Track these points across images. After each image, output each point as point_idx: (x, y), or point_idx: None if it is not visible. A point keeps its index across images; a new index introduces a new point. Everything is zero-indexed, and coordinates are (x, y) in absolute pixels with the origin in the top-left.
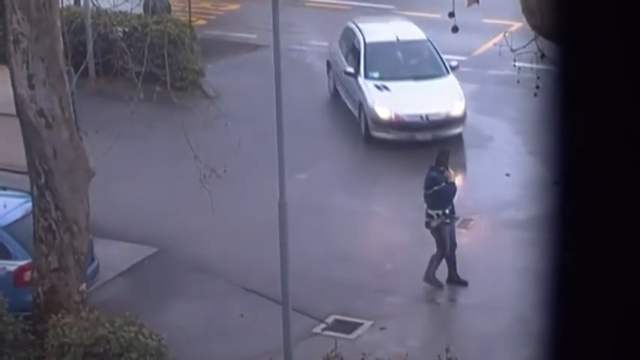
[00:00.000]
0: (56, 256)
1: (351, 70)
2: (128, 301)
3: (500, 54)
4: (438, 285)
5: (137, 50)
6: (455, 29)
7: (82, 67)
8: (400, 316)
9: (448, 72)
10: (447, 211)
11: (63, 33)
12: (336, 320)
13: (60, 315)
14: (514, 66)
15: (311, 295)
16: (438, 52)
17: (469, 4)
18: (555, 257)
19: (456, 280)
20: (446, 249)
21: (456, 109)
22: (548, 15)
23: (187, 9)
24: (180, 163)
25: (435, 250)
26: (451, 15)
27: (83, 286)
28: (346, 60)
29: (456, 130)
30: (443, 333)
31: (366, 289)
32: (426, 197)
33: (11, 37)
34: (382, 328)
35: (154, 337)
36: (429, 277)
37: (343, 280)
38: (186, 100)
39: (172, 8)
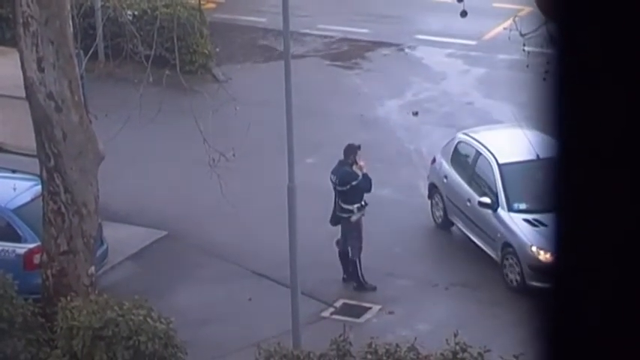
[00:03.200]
0: (65, 239)
1: (487, 200)
2: (137, 284)
3: (509, 38)
4: (372, 287)
5: (146, 34)
6: (464, 13)
7: (92, 50)
8: (408, 301)
9: None
10: (363, 203)
11: (72, 16)
12: (345, 304)
13: (69, 298)
14: (523, 50)
15: (319, 279)
16: None
17: None
18: (560, 244)
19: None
20: (362, 242)
21: None
22: None
23: None
24: (189, 146)
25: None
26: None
27: (92, 269)
28: (469, 185)
29: None
30: (451, 317)
31: (374, 273)
32: (342, 193)
33: (21, 20)
34: (390, 312)
35: (162, 320)
36: (360, 282)
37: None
38: (195, 84)
39: None
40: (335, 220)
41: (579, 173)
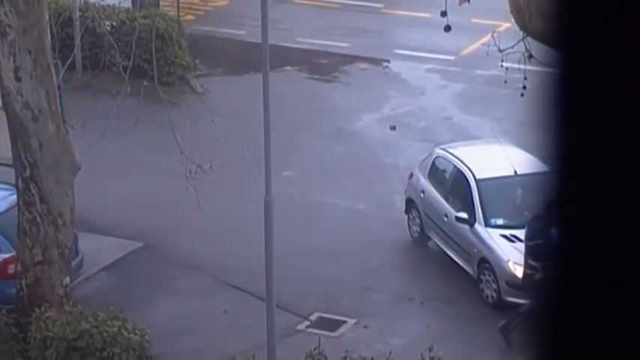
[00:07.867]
0: (40, 249)
1: (464, 215)
2: (112, 295)
3: (487, 54)
4: (509, 343)
5: (125, 44)
6: (447, 28)
7: (70, 61)
8: (384, 315)
9: None
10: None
11: (50, 26)
12: (320, 318)
13: (43, 308)
14: (501, 66)
15: (295, 292)
16: None
17: (460, 4)
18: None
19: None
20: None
21: None
22: (539, 17)
23: (175, 4)
24: (166, 158)
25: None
26: (443, 14)
27: (67, 279)
28: (446, 200)
29: None
30: (426, 332)
31: (350, 287)
32: (528, 248)
33: None
34: (366, 326)
35: (137, 331)
36: (505, 329)
37: (328, 277)
38: (173, 95)
39: (160, 3)
40: None
41: (580, 187)
